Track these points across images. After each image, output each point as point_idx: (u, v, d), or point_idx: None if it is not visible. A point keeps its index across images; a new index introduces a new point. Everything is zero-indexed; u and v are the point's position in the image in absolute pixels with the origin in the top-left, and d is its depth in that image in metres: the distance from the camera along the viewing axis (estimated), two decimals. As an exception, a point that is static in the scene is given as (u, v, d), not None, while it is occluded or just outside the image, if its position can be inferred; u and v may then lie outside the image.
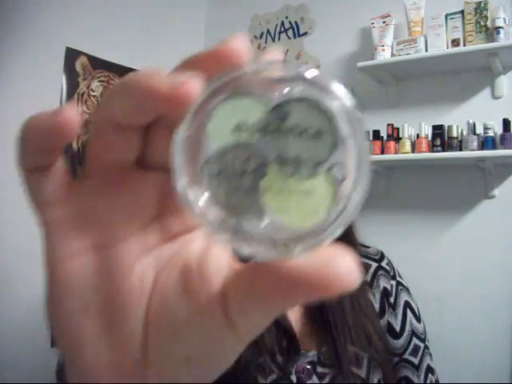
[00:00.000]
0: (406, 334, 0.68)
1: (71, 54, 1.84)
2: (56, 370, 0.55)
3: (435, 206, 1.74)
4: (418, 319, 0.71)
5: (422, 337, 0.70)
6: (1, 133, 1.64)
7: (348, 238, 0.65)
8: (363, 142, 0.16)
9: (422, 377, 0.68)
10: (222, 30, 2.42)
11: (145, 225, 0.20)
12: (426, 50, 1.63)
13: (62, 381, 0.42)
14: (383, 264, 0.71)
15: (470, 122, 1.53)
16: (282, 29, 2.21)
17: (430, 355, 0.71)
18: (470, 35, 1.56)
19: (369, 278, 0.69)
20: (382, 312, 0.68)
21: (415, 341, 0.69)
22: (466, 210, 1.67)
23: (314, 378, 0.60)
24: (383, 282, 0.69)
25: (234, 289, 0.18)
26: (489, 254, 1.60)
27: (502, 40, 1.48)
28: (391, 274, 0.71)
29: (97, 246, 0.19)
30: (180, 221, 0.21)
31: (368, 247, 0.72)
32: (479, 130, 1.53)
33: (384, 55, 1.70)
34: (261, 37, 2.28)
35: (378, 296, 0.68)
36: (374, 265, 0.70)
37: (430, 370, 0.69)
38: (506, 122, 1.49)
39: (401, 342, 0.68)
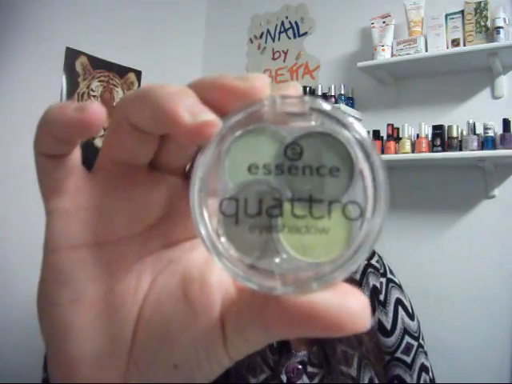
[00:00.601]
0: (397, 332, 0.67)
1: (71, 54, 1.84)
2: (42, 378, 0.55)
3: (435, 206, 1.74)
4: (411, 317, 0.69)
5: (416, 335, 0.68)
6: (1, 132, 1.64)
7: None
8: (381, 179, 0.16)
9: (415, 376, 0.66)
10: (222, 29, 2.43)
11: (148, 227, 0.20)
12: (426, 50, 1.63)
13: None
14: (373, 261, 0.70)
15: (470, 122, 1.53)
16: (282, 29, 2.21)
17: (425, 354, 0.69)
18: (470, 35, 1.56)
19: (358, 276, 0.68)
20: (372, 310, 0.66)
21: (408, 339, 0.67)
22: (466, 210, 1.67)
23: (304, 378, 0.59)
24: (372, 280, 0.68)
25: (236, 309, 0.18)
26: (488, 254, 1.60)
27: (502, 40, 1.48)
28: (381, 271, 0.70)
29: (96, 241, 0.19)
30: (185, 227, 0.21)
31: None
32: (479, 130, 1.53)
33: (384, 55, 1.70)
34: (261, 37, 2.28)
35: (367, 294, 0.67)
36: (364, 262, 0.69)
37: (424, 368, 0.67)
38: (506, 122, 1.49)
39: (392, 340, 0.66)
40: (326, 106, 0.16)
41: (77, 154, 0.20)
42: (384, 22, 1.75)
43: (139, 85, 2.12)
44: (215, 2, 2.47)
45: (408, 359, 0.67)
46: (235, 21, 2.36)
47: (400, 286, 0.71)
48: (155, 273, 0.20)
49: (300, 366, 0.60)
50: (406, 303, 0.70)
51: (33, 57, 1.71)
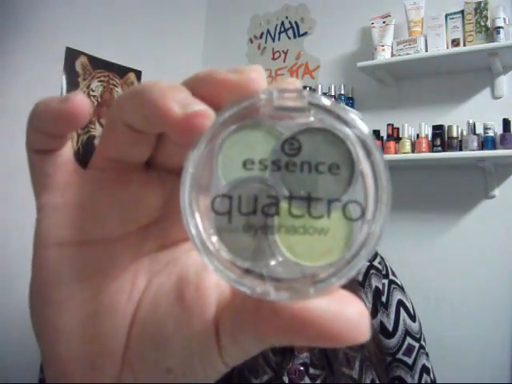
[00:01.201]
0: (399, 333, 0.67)
1: (71, 54, 1.84)
2: (39, 378, 0.55)
3: (435, 206, 1.74)
4: (413, 318, 0.69)
5: (417, 336, 0.68)
6: (1, 132, 1.64)
7: None
8: (383, 178, 0.15)
9: (417, 377, 0.66)
10: (222, 29, 2.43)
11: (144, 226, 0.20)
12: (426, 50, 1.63)
13: None
14: (375, 263, 0.70)
15: (470, 122, 1.53)
16: (282, 29, 2.21)
17: (427, 355, 0.69)
18: (470, 35, 1.56)
19: (360, 278, 0.68)
20: (375, 312, 0.67)
21: (409, 340, 0.67)
22: (466, 210, 1.67)
23: (306, 379, 0.59)
24: (375, 282, 0.68)
25: (230, 315, 0.17)
26: (489, 254, 1.60)
27: (502, 40, 1.48)
28: (383, 272, 0.70)
29: (86, 239, 0.18)
30: (181, 228, 0.21)
31: None
32: (479, 129, 1.53)
33: (384, 55, 1.70)
34: (261, 37, 2.28)
35: (369, 296, 0.67)
36: (366, 264, 0.69)
37: (425, 369, 0.68)
38: (506, 121, 1.49)
39: (394, 341, 0.67)
40: (325, 101, 0.16)
41: (68, 150, 0.19)
42: (384, 22, 1.75)
43: (139, 85, 2.12)
44: (215, 2, 2.47)
45: (409, 360, 0.67)
46: (235, 21, 2.36)
47: (402, 288, 0.71)
48: (151, 274, 0.20)
49: (302, 368, 0.60)
50: (408, 304, 0.70)
51: (33, 57, 1.71)
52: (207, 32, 2.48)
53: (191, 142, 0.16)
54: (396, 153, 1.65)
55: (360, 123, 0.16)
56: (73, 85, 1.86)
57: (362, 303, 0.15)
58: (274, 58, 2.22)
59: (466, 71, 1.68)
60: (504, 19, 1.50)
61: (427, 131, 1.62)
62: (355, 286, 0.66)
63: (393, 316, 0.68)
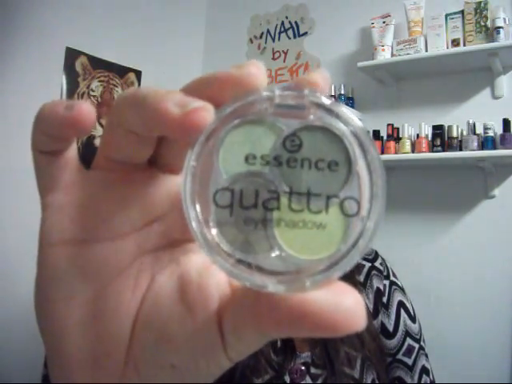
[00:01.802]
0: (399, 334, 0.67)
1: (71, 54, 1.84)
2: (42, 374, 0.55)
3: (435, 206, 1.74)
4: (413, 319, 0.70)
5: (417, 337, 0.69)
6: (1, 132, 1.64)
7: None
8: (378, 175, 0.16)
9: (416, 377, 0.67)
10: (222, 29, 2.43)
11: (146, 225, 0.20)
12: (426, 50, 1.63)
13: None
14: (376, 264, 0.70)
15: (470, 122, 1.53)
16: (282, 29, 2.21)
17: (426, 356, 0.69)
18: (470, 35, 1.56)
19: (362, 279, 0.68)
20: (376, 313, 0.67)
21: (409, 341, 0.68)
22: (466, 210, 1.67)
23: (308, 379, 0.59)
24: (376, 282, 0.68)
25: (232, 311, 0.17)
26: (489, 254, 1.60)
27: (502, 40, 1.48)
28: (384, 273, 0.70)
29: (90, 238, 0.19)
30: (185, 227, 0.21)
31: None
32: (479, 129, 1.53)
33: (384, 55, 1.70)
34: (261, 37, 2.28)
35: (371, 296, 0.67)
36: (368, 265, 0.70)
37: (424, 370, 0.68)
38: (506, 121, 1.49)
39: (394, 342, 0.67)
40: (325, 101, 0.16)
41: (73, 151, 0.20)
42: (384, 22, 1.75)
43: (139, 85, 2.12)
44: (215, 2, 2.47)
45: (409, 361, 0.67)
46: (235, 21, 2.36)
47: (402, 289, 0.71)
48: (154, 272, 0.20)
49: (303, 368, 0.60)
50: (408, 306, 0.70)
51: (33, 57, 1.71)
52: (207, 32, 2.48)
53: (193, 137, 0.16)
54: (396, 153, 1.65)
55: (357, 122, 0.16)
56: (73, 85, 1.86)
57: (357, 292, 0.16)
58: (274, 58, 2.22)
59: (465, 71, 1.68)
60: (504, 19, 1.50)
61: (427, 131, 1.62)
62: (357, 286, 0.66)
63: (393, 317, 0.68)
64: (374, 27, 1.76)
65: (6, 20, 1.63)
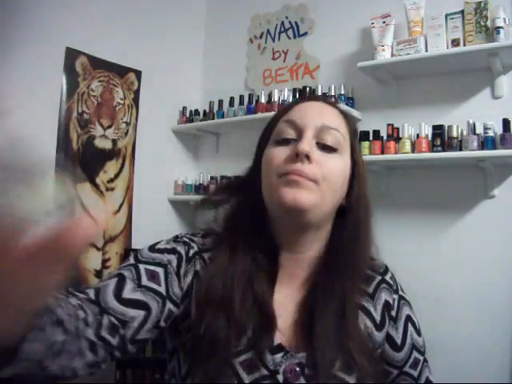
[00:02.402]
0: (406, 347, 0.69)
1: (71, 54, 1.84)
2: None
3: (435, 206, 1.74)
4: (419, 333, 0.72)
5: (422, 350, 0.71)
6: (1, 132, 1.64)
7: (360, 252, 0.66)
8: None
9: None
10: (222, 30, 2.43)
11: None
12: (426, 50, 1.63)
13: None
14: (387, 278, 0.72)
15: (470, 122, 1.53)
16: (282, 29, 2.21)
17: (429, 368, 0.72)
18: (470, 35, 1.56)
19: (371, 290, 0.69)
20: (382, 324, 0.68)
21: (415, 354, 0.70)
22: (466, 210, 1.67)
23: (302, 380, 0.59)
24: (385, 295, 0.70)
25: None
26: (489, 254, 1.60)
27: (502, 40, 1.48)
28: (394, 288, 0.72)
29: None
30: None
31: (374, 259, 0.72)
32: (479, 129, 1.53)
33: (384, 55, 1.70)
34: (261, 37, 2.27)
35: (379, 308, 0.68)
36: (378, 278, 0.71)
37: (428, 382, 0.70)
38: (506, 121, 1.49)
39: (401, 355, 0.69)
40: None
41: None
42: (384, 22, 1.75)
43: (139, 85, 2.12)
44: (215, 2, 2.47)
45: (415, 373, 0.70)
46: (235, 21, 2.36)
47: (409, 303, 0.73)
48: None
49: (298, 368, 0.60)
50: (415, 320, 0.72)
51: (33, 57, 1.71)
52: (207, 32, 2.48)
53: None
54: (396, 153, 1.65)
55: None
56: (73, 85, 1.86)
57: (91, 219, 0.22)
58: (274, 58, 2.22)
59: (466, 71, 1.68)
60: (504, 19, 1.50)
61: (427, 131, 1.62)
62: (365, 296, 0.67)
63: (401, 330, 0.70)
64: (374, 27, 1.76)
65: (5, 20, 1.63)
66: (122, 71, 2.04)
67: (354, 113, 1.86)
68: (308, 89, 1.91)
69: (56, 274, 0.30)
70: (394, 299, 0.70)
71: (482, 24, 1.54)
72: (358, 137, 0.69)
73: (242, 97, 2.12)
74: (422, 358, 0.70)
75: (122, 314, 0.54)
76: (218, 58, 2.41)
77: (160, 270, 0.60)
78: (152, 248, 0.63)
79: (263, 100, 2.02)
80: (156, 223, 2.13)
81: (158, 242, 0.65)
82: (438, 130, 1.58)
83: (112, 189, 2.00)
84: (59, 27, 1.79)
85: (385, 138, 1.71)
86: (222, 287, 0.59)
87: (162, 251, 0.62)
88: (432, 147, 1.59)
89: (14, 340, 0.39)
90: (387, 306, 0.69)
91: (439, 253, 1.70)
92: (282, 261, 0.64)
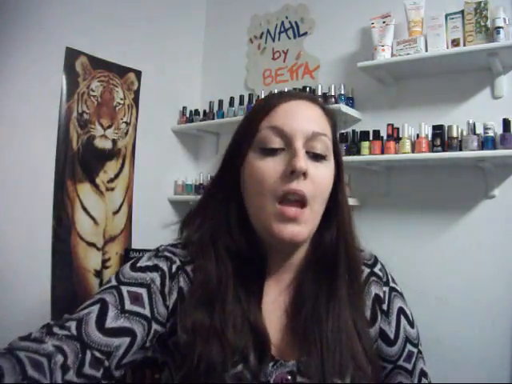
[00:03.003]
0: (400, 341, 0.67)
1: (71, 54, 1.84)
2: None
3: (435, 206, 1.74)
4: (412, 325, 0.70)
5: (415, 342, 0.69)
6: (1, 132, 1.64)
7: (347, 243, 0.64)
8: None
9: (416, 381, 0.67)
10: (221, 30, 2.43)
11: None
12: (426, 50, 1.63)
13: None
14: (376, 270, 0.69)
15: (470, 122, 1.53)
16: (282, 29, 2.21)
17: (423, 359, 0.70)
18: (470, 35, 1.56)
19: (361, 284, 0.67)
20: (373, 319, 0.67)
21: (409, 347, 0.68)
22: (466, 210, 1.67)
23: None
24: (375, 289, 0.68)
25: None
26: (488, 254, 1.60)
27: (502, 40, 1.48)
28: (384, 280, 0.69)
29: None
30: None
31: (361, 251, 0.69)
32: (479, 129, 1.53)
33: (384, 55, 1.70)
34: (261, 37, 2.28)
35: (369, 303, 0.67)
36: (367, 270, 0.68)
37: (423, 373, 0.68)
38: (506, 121, 1.49)
39: (395, 349, 0.67)
40: None
41: None
42: (384, 22, 1.75)
43: (139, 85, 2.12)
44: (215, 2, 2.47)
45: (409, 366, 0.68)
46: (235, 21, 2.36)
47: (401, 294, 0.71)
48: None
49: (289, 377, 0.58)
50: (407, 311, 0.70)
51: (33, 57, 1.71)
52: (207, 32, 2.48)
53: None
54: (396, 153, 1.65)
55: None
56: (73, 85, 1.85)
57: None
58: (274, 58, 2.22)
59: (466, 71, 1.68)
60: (504, 19, 1.50)
61: (427, 131, 1.62)
62: (355, 291, 0.65)
63: (394, 324, 0.68)
64: (374, 27, 1.76)
65: (5, 20, 1.63)
66: (121, 71, 2.04)
67: (354, 113, 1.86)
68: (308, 89, 1.91)
69: None
70: (384, 292, 0.68)
71: (482, 24, 1.54)
72: (337, 131, 0.66)
73: (241, 97, 2.12)
74: (415, 350, 0.68)
75: (106, 346, 0.52)
76: (218, 58, 2.41)
77: (143, 291, 0.57)
78: (133, 266, 0.60)
79: (263, 100, 2.02)
80: (156, 223, 2.13)
81: (139, 259, 0.62)
82: (437, 130, 1.58)
83: (112, 189, 2.00)
84: (59, 27, 1.79)
85: (385, 137, 1.71)
86: (209, 316, 0.57)
87: (143, 270, 0.60)
88: (432, 147, 1.59)
89: None
90: (378, 299, 0.67)
91: (439, 253, 1.70)
92: (270, 267, 0.63)
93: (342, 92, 1.86)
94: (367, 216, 1.76)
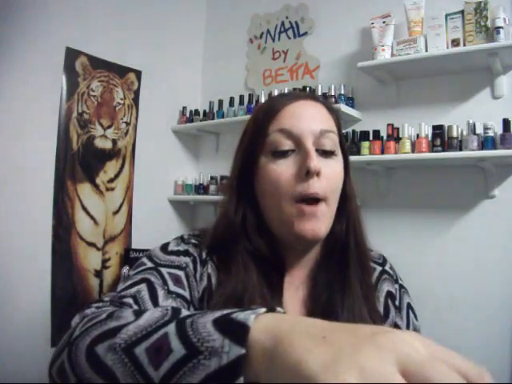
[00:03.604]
0: None
1: (71, 54, 1.84)
2: (49, 369, 0.54)
3: (435, 206, 1.74)
4: (416, 318, 0.73)
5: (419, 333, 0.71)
6: (1, 132, 1.64)
7: (356, 233, 0.66)
8: None
9: None
10: (222, 29, 2.43)
11: None
12: (426, 50, 1.63)
13: (52, 380, 0.42)
14: (387, 268, 0.73)
15: (470, 122, 1.53)
16: (282, 29, 2.21)
17: None
18: (470, 35, 1.56)
19: (373, 281, 0.69)
20: (386, 315, 0.69)
21: None
22: (466, 210, 1.67)
23: None
24: (387, 286, 0.70)
25: None
26: (489, 254, 1.60)
27: (502, 40, 1.48)
28: (394, 277, 0.73)
29: None
30: None
31: (371, 250, 0.72)
32: (479, 130, 1.53)
33: (384, 55, 1.70)
34: (261, 37, 2.28)
35: (381, 299, 0.69)
36: (379, 268, 0.71)
37: None
38: (506, 121, 1.49)
39: None
40: None
41: None
42: (384, 22, 1.75)
43: (139, 85, 2.12)
44: (215, 2, 2.47)
45: None
46: (235, 21, 2.36)
47: (407, 290, 0.74)
48: None
49: None
50: (413, 305, 0.73)
51: (33, 57, 1.71)
52: (207, 32, 2.48)
53: None
54: (396, 153, 1.65)
55: None
56: (73, 85, 1.86)
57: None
58: (274, 58, 2.22)
59: (466, 71, 1.68)
60: (504, 19, 1.50)
61: (427, 131, 1.62)
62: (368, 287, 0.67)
63: (405, 318, 0.71)
64: (374, 27, 1.76)
65: (6, 20, 1.63)
66: (121, 71, 2.04)
67: (354, 113, 1.86)
68: (308, 89, 1.91)
69: None
70: (395, 289, 0.71)
71: (482, 24, 1.54)
72: (341, 127, 0.67)
73: (241, 97, 2.12)
74: None
75: None
76: (218, 58, 2.41)
77: (182, 274, 0.58)
78: (165, 250, 0.61)
79: (263, 100, 2.02)
80: (156, 223, 2.14)
81: (167, 244, 0.63)
82: (437, 130, 1.58)
83: (112, 189, 2.00)
84: (59, 27, 1.79)
85: (385, 138, 1.71)
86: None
87: (177, 253, 0.61)
88: (432, 147, 1.59)
89: None
90: (390, 296, 0.70)
91: (439, 252, 1.70)
92: (286, 266, 0.64)
93: (342, 92, 1.86)
94: (367, 216, 1.75)
